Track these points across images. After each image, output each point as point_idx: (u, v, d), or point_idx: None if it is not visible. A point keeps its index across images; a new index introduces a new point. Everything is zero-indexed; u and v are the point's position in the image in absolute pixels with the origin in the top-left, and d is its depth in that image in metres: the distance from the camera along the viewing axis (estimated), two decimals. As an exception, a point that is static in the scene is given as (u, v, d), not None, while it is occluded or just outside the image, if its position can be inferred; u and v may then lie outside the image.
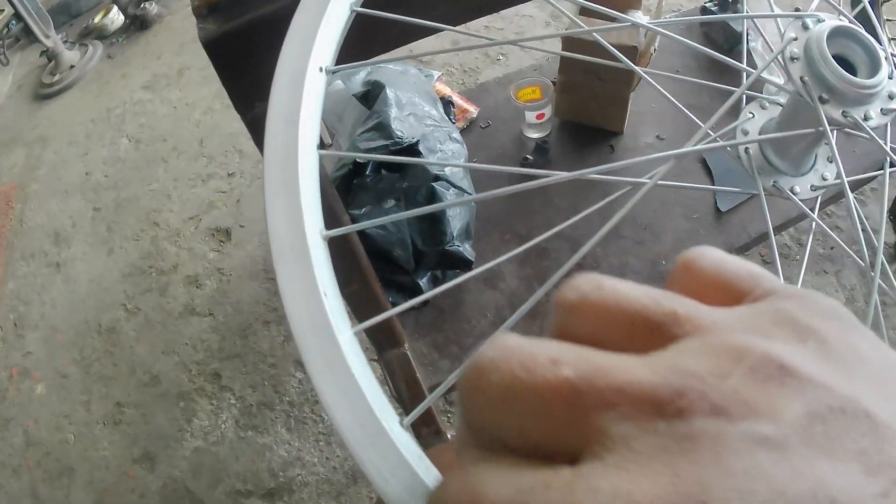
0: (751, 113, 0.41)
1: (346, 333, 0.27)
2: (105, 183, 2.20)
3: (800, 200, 0.39)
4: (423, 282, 1.21)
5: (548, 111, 1.36)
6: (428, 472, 0.25)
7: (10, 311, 2.02)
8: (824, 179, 0.40)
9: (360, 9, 0.37)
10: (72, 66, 2.73)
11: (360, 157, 1.01)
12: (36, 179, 2.36)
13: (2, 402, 1.84)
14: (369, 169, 1.21)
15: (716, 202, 1.19)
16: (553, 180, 0.33)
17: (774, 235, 1.24)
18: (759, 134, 0.41)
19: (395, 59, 1.46)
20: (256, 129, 0.61)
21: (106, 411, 1.70)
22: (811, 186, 0.40)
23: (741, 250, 1.16)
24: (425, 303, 1.22)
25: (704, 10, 1.46)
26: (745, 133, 0.41)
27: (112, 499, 1.57)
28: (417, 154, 1.20)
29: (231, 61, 0.58)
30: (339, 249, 0.80)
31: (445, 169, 1.23)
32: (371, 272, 0.93)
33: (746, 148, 0.40)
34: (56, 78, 2.72)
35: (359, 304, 0.90)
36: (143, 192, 2.10)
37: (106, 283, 1.92)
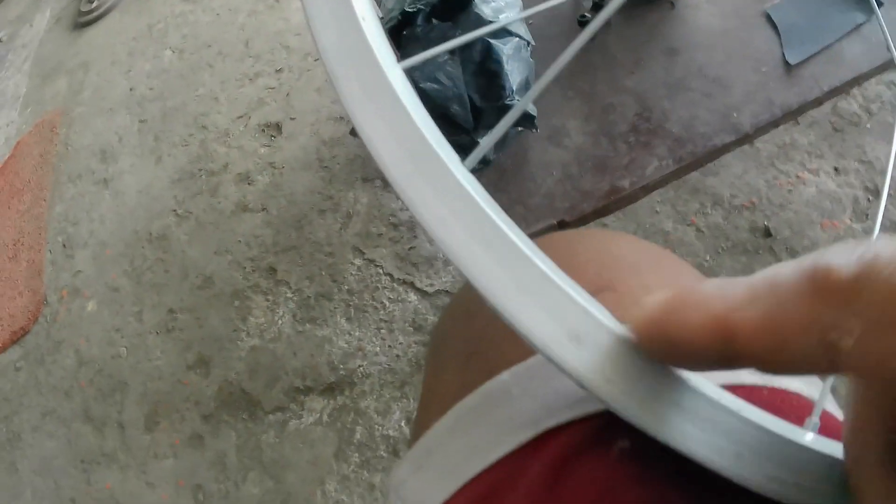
0: None
1: (393, 68, 0.25)
2: (150, 95, 2.31)
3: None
4: (483, 141, 1.23)
5: None
6: (501, 216, 0.23)
7: (58, 233, 2.15)
8: None
9: None
10: (110, -8, 2.87)
11: None
12: (80, 103, 2.49)
13: (52, 325, 1.96)
14: (419, 19, 1.23)
15: (784, 56, 1.20)
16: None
17: (843, 95, 1.21)
18: None
19: None
20: None
21: (158, 319, 1.79)
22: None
23: (813, 104, 1.15)
24: (486, 163, 1.25)
25: None
26: None
27: (166, 409, 1.66)
28: (469, 4, 1.22)
29: None
30: None
31: (500, 17, 1.25)
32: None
33: None
34: (94, 4, 2.86)
35: None
36: (190, 98, 2.20)
37: (155, 192, 2.03)
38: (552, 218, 1.16)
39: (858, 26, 1.18)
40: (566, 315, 0.22)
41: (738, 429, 0.23)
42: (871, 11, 1.20)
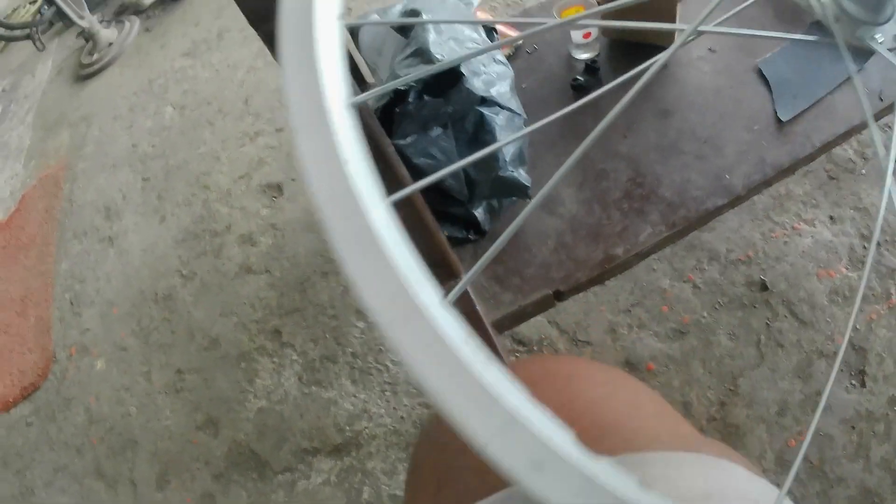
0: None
1: (376, 207, 0.28)
2: (152, 152, 2.38)
3: (887, 50, 0.41)
4: (478, 212, 1.26)
5: (594, 30, 1.41)
6: (476, 356, 0.25)
7: (65, 290, 2.20)
8: (908, 26, 0.42)
9: None
10: (110, 44, 2.94)
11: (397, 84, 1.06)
12: (83, 158, 2.56)
13: (62, 382, 2.01)
14: (411, 95, 1.27)
15: (776, 112, 1.23)
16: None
17: (837, 146, 1.23)
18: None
19: None
20: (272, 43, 0.60)
21: (167, 380, 1.84)
22: (895, 36, 0.41)
23: (806, 161, 1.18)
24: (482, 234, 1.29)
25: None
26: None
27: (177, 468, 1.70)
28: (460, 77, 1.26)
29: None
30: (390, 182, 0.87)
31: (492, 90, 1.29)
32: (418, 199, 0.98)
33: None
34: (95, 57, 2.93)
35: (412, 234, 0.96)
36: (192, 156, 2.26)
37: (160, 252, 2.08)
38: (547, 288, 1.19)
39: (850, 77, 1.21)
40: (540, 458, 0.25)
41: None
42: (862, 60, 1.23)
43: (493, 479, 0.40)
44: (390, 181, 0.86)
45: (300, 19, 0.31)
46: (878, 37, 0.42)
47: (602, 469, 0.25)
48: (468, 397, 0.25)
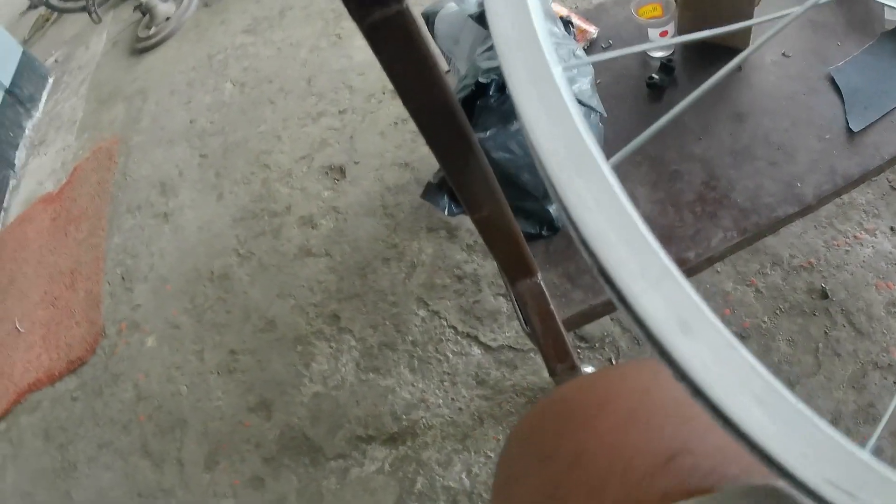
0: None
1: (555, 66, 0.30)
2: (211, 129, 2.39)
3: None
4: (552, 208, 1.26)
5: (671, 28, 1.40)
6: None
7: (116, 265, 2.23)
8: None
9: None
10: (167, 18, 2.97)
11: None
12: (138, 132, 2.58)
13: (111, 358, 2.03)
14: (492, 89, 1.27)
15: (847, 122, 1.22)
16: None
17: None
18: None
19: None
20: (375, 37, 0.60)
21: (220, 360, 1.85)
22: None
23: (875, 173, 1.17)
24: (555, 231, 1.28)
25: None
26: None
27: (226, 449, 1.71)
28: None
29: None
30: (466, 173, 0.85)
31: (573, 86, 1.28)
32: (502, 195, 0.98)
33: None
34: (152, 31, 2.96)
35: (489, 230, 0.96)
36: (252, 134, 2.27)
37: (216, 229, 2.10)
38: (619, 288, 1.18)
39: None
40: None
41: None
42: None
43: (611, 496, 0.38)
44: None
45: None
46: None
47: None
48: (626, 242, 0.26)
